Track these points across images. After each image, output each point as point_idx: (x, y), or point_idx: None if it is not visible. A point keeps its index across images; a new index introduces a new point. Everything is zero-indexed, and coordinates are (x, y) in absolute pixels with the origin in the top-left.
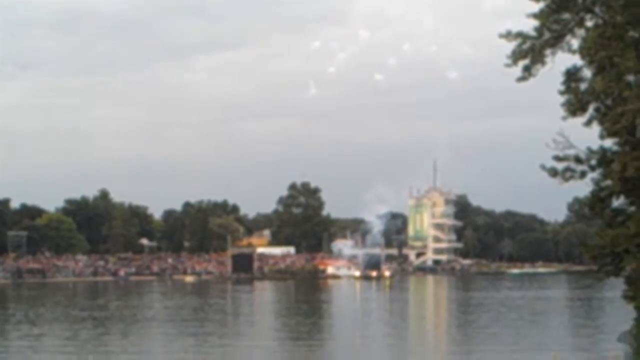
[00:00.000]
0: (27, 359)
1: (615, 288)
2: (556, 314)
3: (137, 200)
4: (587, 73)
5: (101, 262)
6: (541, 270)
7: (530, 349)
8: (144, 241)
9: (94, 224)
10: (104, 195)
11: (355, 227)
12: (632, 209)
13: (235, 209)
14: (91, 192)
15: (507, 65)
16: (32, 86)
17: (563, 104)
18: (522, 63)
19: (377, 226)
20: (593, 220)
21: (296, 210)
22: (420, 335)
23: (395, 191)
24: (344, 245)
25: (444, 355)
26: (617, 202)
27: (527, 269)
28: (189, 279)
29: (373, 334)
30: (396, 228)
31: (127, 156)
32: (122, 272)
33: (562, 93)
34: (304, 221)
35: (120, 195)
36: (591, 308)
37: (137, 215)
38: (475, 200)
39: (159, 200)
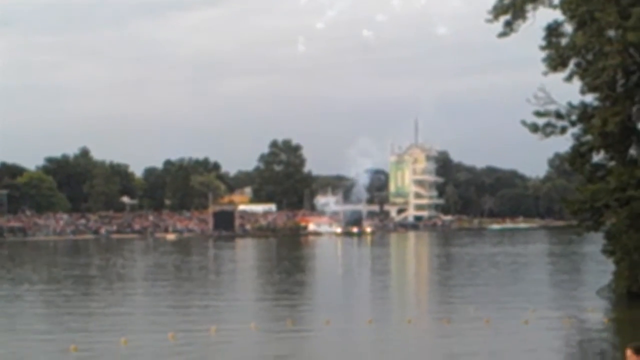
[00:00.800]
0: (6, 318)
1: (595, 243)
2: (536, 269)
3: (117, 159)
4: (568, 28)
5: (82, 221)
6: (522, 225)
7: (509, 304)
8: (125, 199)
9: (75, 182)
10: (84, 153)
11: (337, 184)
12: (612, 163)
13: (216, 166)
14: (72, 151)
15: (488, 21)
16: (10, 43)
17: (544, 60)
18: (504, 18)
19: (362, 180)
20: (573, 176)
21: (277, 168)
22: (400, 292)
23: (377, 148)
24: (327, 201)
25: (424, 312)
26: (597, 157)
27: (508, 224)
28: (171, 236)
29: (354, 290)
30: (379, 184)
31: (108, 114)
32: (103, 230)
33: (543, 48)
34: (286, 178)
35: (101, 153)
36: (571, 263)
37: (118, 174)
38: (456, 157)
39: (140, 158)
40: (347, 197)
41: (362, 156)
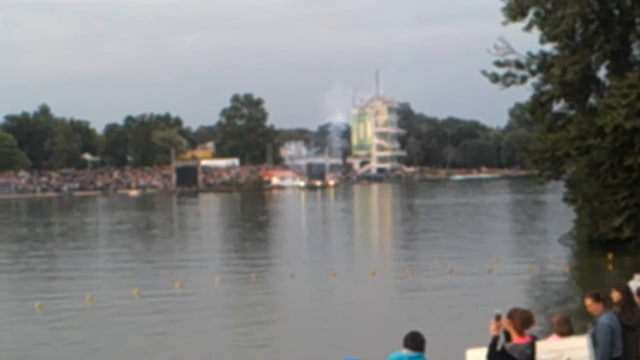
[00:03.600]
0: None
1: (556, 191)
2: (499, 219)
3: (78, 115)
4: None
5: (44, 178)
6: (484, 176)
7: (473, 254)
8: (87, 156)
9: (36, 140)
10: (44, 110)
11: (299, 137)
12: (572, 112)
13: (178, 121)
14: (31, 108)
15: None
16: None
17: (503, 9)
18: None
19: (337, 130)
20: (534, 125)
21: (240, 122)
22: (364, 244)
23: (339, 101)
24: (304, 153)
25: (388, 264)
26: (558, 106)
27: (470, 175)
28: (134, 193)
29: (318, 243)
30: (343, 136)
31: (68, 70)
32: (65, 188)
33: None
34: (248, 133)
35: (61, 110)
36: (533, 212)
37: (79, 130)
38: (418, 108)
39: (101, 115)
40: (322, 148)
41: (326, 109)
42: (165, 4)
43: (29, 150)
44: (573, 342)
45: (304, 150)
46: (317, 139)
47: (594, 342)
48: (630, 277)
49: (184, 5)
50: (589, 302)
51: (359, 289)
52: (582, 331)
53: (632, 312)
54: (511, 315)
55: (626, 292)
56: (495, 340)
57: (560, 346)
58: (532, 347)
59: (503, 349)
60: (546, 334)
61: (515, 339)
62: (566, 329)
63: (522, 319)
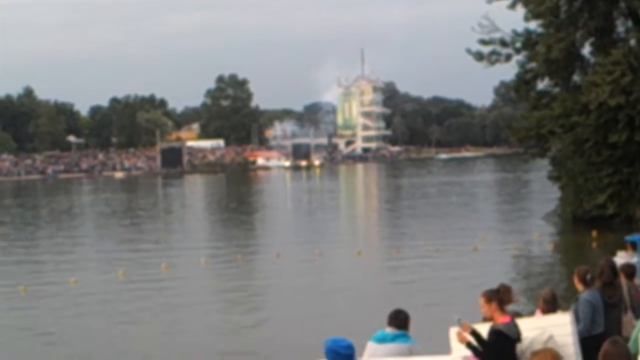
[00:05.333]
0: None
1: (541, 169)
2: (484, 197)
3: (62, 97)
4: None
5: (28, 161)
6: (469, 154)
7: (459, 232)
8: (72, 138)
9: (20, 122)
10: (28, 92)
11: (284, 117)
12: (557, 90)
13: (162, 103)
14: (15, 90)
15: None
16: None
17: None
18: None
19: (326, 109)
20: (519, 103)
21: (224, 103)
22: (350, 224)
23: (324, 80)
24: (283, 133)
25: (374, 244)
26: (542, 84)
27: (455, 154)
28: (119, 175)
29: (303, 223)
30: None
31: (51, 53)
32: (50, 170)
33: None
34: (233, 113)
35: (46, 92)
36: (518, 190)
37: (64, 113)
38: (403, 87)
39: (85, 97)
40: (309, 128)
41: (311, 89)
42: None
43: (13, 133)
44: (556, 319)
45: (289, 131)
46: (304, 118)
47: (576, 318)
48: (613, 254)
49: None
50: (576, 279)
51: (344, 269)
52: (566, 308)
53: (614, 289)
54: (490, 298)
55: (611, 268)
56: (472, 347)
57: (543, 322)
58: (515, 324)
59: (500, 332)
60: (530, 312)
61: (501, 318)
62: (552, 306)
63: (507, 295)
